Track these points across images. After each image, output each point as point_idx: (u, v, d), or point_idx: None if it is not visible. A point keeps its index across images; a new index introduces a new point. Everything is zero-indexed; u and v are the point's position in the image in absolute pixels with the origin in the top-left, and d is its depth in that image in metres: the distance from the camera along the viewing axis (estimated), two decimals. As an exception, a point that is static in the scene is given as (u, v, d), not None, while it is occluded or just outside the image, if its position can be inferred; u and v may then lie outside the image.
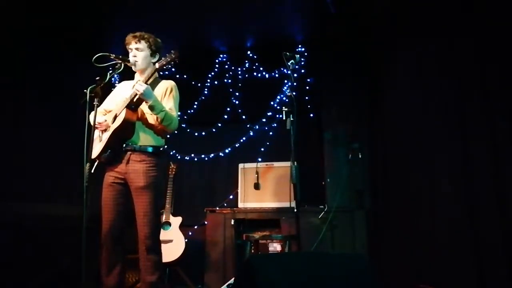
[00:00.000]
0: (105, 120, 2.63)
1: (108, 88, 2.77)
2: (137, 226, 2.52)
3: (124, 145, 2.55)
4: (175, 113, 2.64)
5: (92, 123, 2.40)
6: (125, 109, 2.48)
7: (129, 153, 2.55)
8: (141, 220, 2.49)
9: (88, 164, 2.28)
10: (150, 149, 2.57)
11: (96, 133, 2.64)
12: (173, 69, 2.52)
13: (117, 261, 2.52)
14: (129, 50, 2.65)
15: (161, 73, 2.74)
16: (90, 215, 2.22)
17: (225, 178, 4.62)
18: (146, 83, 2.48)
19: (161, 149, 2.66)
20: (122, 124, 2.47)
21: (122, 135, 2.53)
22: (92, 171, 2.43)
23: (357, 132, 4.04)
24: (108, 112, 2.76)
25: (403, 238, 3.39)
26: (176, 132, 2.73)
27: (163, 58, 2.47)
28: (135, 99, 2.49)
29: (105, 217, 2.53)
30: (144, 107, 2.57)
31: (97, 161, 2.58)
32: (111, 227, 2.51)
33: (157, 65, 2.48)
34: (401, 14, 3.59)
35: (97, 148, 2.60)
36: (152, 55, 2.68)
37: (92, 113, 2.40)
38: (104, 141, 2.55)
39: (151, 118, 2.60)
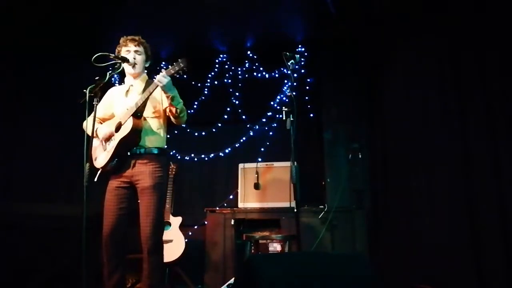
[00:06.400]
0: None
1: (107, 88, 2.77)
2: (140, 226, 2.52)
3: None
4: None
5: (89, 132, 2.35)
6: (131, 117, 2.48)
7: (134, 157, 2.56)
8: (144, 220, 2.50)
9: (87, 164, 2.27)
10: (155, 151, 2.59)
11: (96, 141, 2.62)
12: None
13: (118, 265, 2.51)
14: (126, 52, 2.64)
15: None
16: (90, 215, 2.21)
17: (225, 178, 4.61)
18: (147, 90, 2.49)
19: (163, 149, 2.67)
20: (130, 133, 2.48)
21: (130, 143, 2.54)
22: (95, 179, 2.42)
23: (357, 132, 4.04)
24: (102, 121, 2.74)
25: (403, 238, 3.39)
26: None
27: (170, 67, 2.43)
28: (147, 100, 2.49)
29: (106, 220, 2.52)
30: (147, 111, 2.58)
31: (101, 170, 2.56)
32: (112, 231, 2.49)
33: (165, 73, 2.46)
34: (401, 14, 3.59)
35: (102, 157, 2.59)
36: (147, 60, 2.72)
37: (88, 120, 2.32)
38: (110, 150, 2.54)
39: (154, 121, 2.62)
